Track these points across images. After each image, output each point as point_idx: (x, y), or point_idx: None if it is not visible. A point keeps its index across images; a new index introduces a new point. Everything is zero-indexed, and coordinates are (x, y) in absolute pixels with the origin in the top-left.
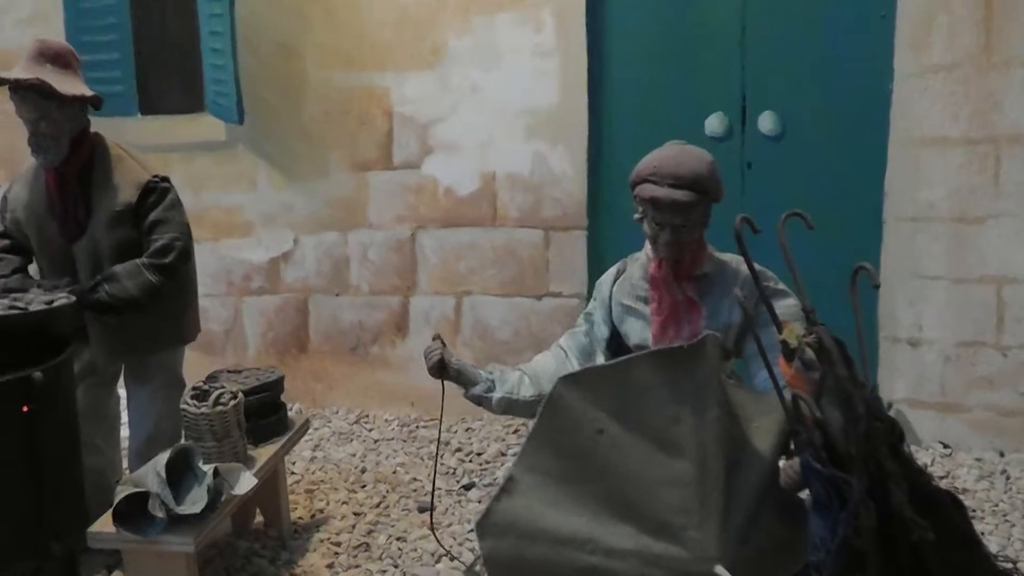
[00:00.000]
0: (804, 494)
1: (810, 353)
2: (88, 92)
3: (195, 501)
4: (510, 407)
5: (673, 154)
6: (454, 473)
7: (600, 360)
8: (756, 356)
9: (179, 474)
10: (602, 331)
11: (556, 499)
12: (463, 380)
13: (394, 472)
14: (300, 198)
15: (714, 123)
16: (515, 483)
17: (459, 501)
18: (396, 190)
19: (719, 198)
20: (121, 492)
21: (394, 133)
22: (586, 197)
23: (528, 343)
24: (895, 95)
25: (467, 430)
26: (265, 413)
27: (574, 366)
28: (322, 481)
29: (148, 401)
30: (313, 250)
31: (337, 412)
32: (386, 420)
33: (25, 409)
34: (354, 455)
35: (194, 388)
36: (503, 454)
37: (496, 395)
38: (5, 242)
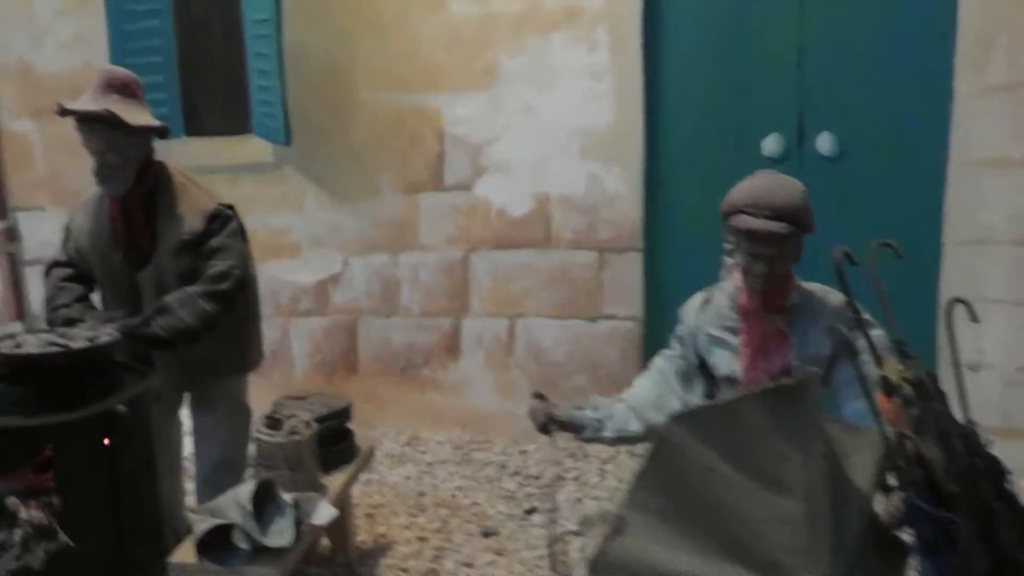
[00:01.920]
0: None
1: (908, 389)
2: (155, 122)
3: (281, 532)
4: (622, 441)
5: (768, 184)
6: (514, 497)
7: (699, 385)
8: (844, 387)
9: (259, 504)
10: (692, 358)
11: (666, 538)
12: (571, 428)
13: (452, 496)
14: (349, 219)
15: (771, 144)
16: (625, 522)
17: (522, 526)
18: (447, 211)
19: (812, 229)
20: (199, 522)
21: (446, 154)
22: (641, 218)
23: (581, 365)
24: (954, 115)
25: (522, 452)
26: (334, 441)
27: (677, 390)
28: (381, 505)
29: (214, 428)
30: (362, 272)
31: (387, 434)
32: (438, 442)
33: (106, 442)
34: (409, 478)
35: (267, 417)
36: (561, 478)
37: (608, 435)
38: (68, 271)
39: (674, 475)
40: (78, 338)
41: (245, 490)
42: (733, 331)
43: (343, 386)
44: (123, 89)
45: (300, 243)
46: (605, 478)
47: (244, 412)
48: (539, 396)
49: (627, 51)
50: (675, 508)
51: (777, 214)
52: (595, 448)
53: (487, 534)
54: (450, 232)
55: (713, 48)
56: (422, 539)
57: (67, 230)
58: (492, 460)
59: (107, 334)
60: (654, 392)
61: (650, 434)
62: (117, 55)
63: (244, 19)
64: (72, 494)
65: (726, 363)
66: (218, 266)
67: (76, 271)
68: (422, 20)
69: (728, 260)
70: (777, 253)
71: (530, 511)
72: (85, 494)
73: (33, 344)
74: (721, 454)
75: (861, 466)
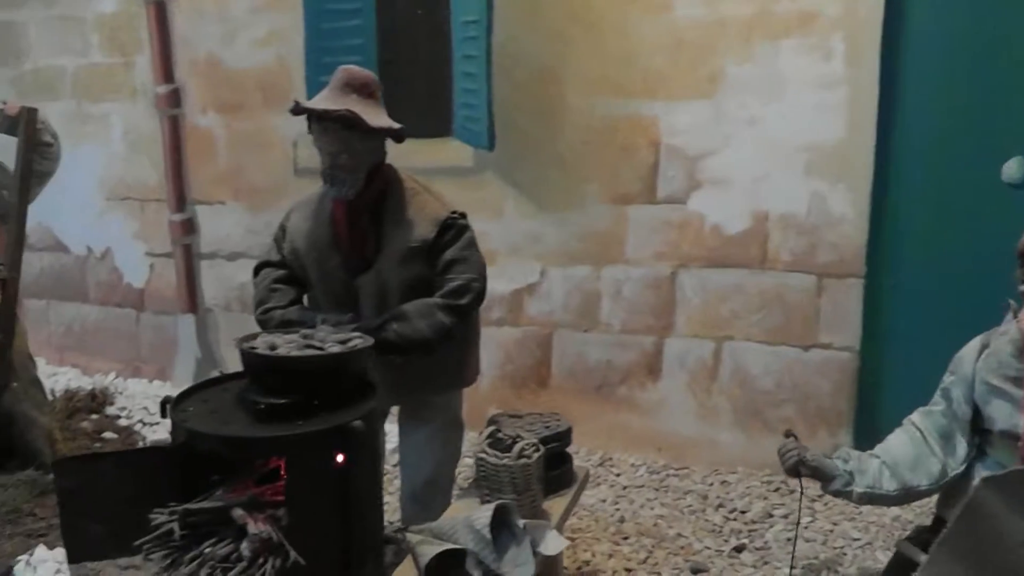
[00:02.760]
0: None
1: None
2: (394, 124)
3: (521, 563)
4: (871, 500)
5: None
6: (720, 532)
7: (960, 447)
8: None
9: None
10: (963, 411)
11: None
12: (819, 476)
13: (655, 525)
14: (550, 229)
15: (1012, 169)
16: None
17: (732, 564)
18: (658, 225)
19: None
20: (422, 543)
21: (660, 165)
22: (866, 242)
23: (790, 396)
24: None
25: (723, 483)
26: (554, 464)
27: (937, 452)
28: (580, 529)
29: (427, 443)
30: (561, 283)
31: (578, 452)
32: (632, 465)
33: (342, 459)
34: (604, 501)
35: (490, 436)
36: (770, 515)
37: (857, 489)
38: (282, 272)
39: (982, 546)
40: (328, 341)
41: (483, 515)
42: (1016, 382)
43: (532, 400)
44: (362, 89)
45: (496, 250)
46: (816, 518)
47: (459, 428)
48: (791, 435)
49: (864, 61)
50: None
51: None
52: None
53: (696, 571)
54: (659, 247)
55: (957, 60)
56: (629, 570)
57: (282, 229)
58: (692, 489)
59: (358, 339)
60: (911, 451)
61: (905, 497)
62: (313, 53)
63: (452, 20)
64: (301, 509)
65: (1005, 417)
66: (458, 279)
67: (290, 272)
68: (644, 23)
69: (1013, 303)
70: None
71: (739, 548)
72: (314, 510)
73: (285, 345)
74: None
75: None
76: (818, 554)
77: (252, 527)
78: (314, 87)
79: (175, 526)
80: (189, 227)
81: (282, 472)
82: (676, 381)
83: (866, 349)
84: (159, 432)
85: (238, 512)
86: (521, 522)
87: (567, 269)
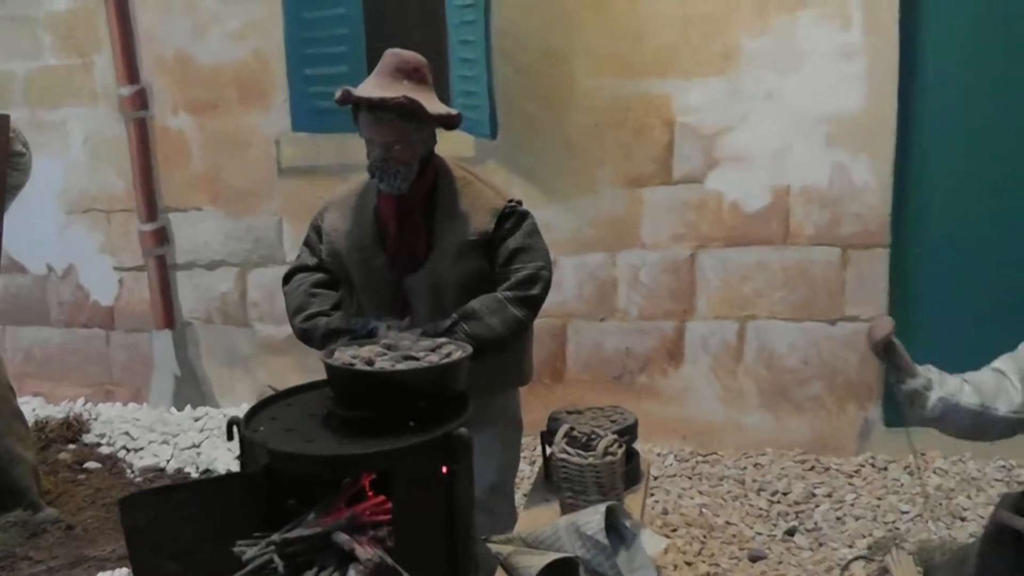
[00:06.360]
0: None
1: None
2: (452, 111)
3: (636, 568)
4: (945, 414)
5: None
6: (768, 516)
7: None
8: None
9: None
10: None
11: None
12: (902, 366)
13: (700, 514)
14: (561, 217)
15: None
16: None
17: (788, 548)
18: (675, 207)
19: None
20: (519, 554)
21: (675, 145)
22: (890, 212)
23: (819, 371)
24: None
25: (756, 466)
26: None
27: (1016, 385)
28: None
29: (489, 447)
30: (574, 272)
31: None
32: (658, 454)
33: (445, 470)
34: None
35: (566, 435)
36: (812, 495)
37: (935, 394)
38: (318, 276)
39: None
40: (417, 351)
41: (592, 519)
42: None
43: (547, 395)
44: (414, 74)
45: None
46: (859, 494)
47: (519, 429)
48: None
49: (883, 28)
50: None
51: None
52: (836, 460)
53: (755, 558)
54: (676, 229)
55: (982, 24)
56: (688, 563)
57: (316, 230)
58: (726, 475)
59: (455, 348)
60: (992, 379)
61: (980, 418)
62: (294, 45)
63: (448, 3)
64: (409, 527)
65: None
66: (525, 269)
67: (326, 277)
68: None
69: None
70: None
71: (791, 532)
72: (422, 526)
73: (374, 357)
74: None
75: None
76: (871, 531)
77: (360, 551)
78: (297, 81)
79: (275, 557)
80: (162, 237)
81: (369, 492)
82: (699, 366)
83: (894, 319)
84: (146, 458)
85: (342, 537)
86: (628, 522)
87: (580, 257)
